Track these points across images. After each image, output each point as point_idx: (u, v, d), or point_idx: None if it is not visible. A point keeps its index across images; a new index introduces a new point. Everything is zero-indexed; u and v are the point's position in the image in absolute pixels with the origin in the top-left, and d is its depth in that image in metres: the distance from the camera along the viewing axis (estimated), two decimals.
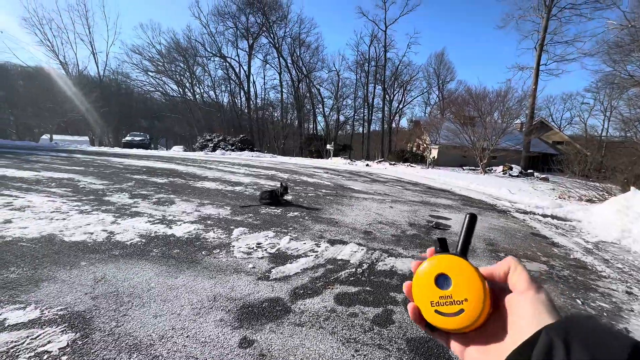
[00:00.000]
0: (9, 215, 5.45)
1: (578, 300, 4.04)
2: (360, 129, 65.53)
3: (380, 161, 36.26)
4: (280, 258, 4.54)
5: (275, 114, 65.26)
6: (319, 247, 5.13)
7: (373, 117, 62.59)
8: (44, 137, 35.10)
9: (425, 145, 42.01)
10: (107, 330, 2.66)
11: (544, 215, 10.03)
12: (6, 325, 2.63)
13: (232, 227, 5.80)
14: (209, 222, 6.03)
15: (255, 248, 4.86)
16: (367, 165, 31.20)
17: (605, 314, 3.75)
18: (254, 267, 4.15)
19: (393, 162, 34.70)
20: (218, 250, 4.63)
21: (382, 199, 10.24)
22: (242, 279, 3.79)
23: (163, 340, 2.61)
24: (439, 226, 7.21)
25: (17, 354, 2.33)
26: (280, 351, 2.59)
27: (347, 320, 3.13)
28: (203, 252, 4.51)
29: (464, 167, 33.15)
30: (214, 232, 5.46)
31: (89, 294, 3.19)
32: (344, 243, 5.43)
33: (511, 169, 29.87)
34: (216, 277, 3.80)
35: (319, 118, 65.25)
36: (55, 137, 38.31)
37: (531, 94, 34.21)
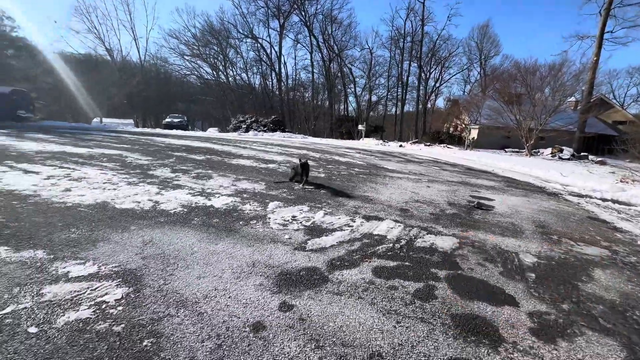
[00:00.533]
0: (68, 184, 5.95)
1: None
2: (393, 110, 63.11)
3: (414, 142, 34.85)
4: (316, 231, 4.51)
5: (306, 95, 64.70)
6: (354, 222, 5.03)
7: (407, 97, 59.67)
8: (95, 119, 38.07)
9: (463, 125, 39.50)
10: (156, 287, 2.81)
11: (603, 199, 9.04)
12: (69, 277, 2.86)
13: (267, 200, 5.87)
14: (245, 195, 6.15)
15: (290, 221, 4.88)
16: (401, 146, 30.14)
17: None
18: (290, 238, 4.17)
19: (428, 143, 33.19)
20: (255, 222, 4.70)
21: (418, 179, 9.83)
22: (279, 249, 3.81)
23: (207, 299, 2.70)
24: (481, 206, 6.76)
25: (79, 302, 2.53)
26: (319, 317, 2.57)
27: (386, 292, 3.03)
28: (241, 223, 4.61)
29: (507, 149, 30.84)
30: (250, 205, 5.55)
31: (139, 254, 3.39)
32: (380, 219, 5.28)
33: (561, 151, 27.25)
34: (254, 245, 3.86)
35: (351, 98, 63.67)
36: (104, 119, 41.38)
37: (591, 67, 30.32)
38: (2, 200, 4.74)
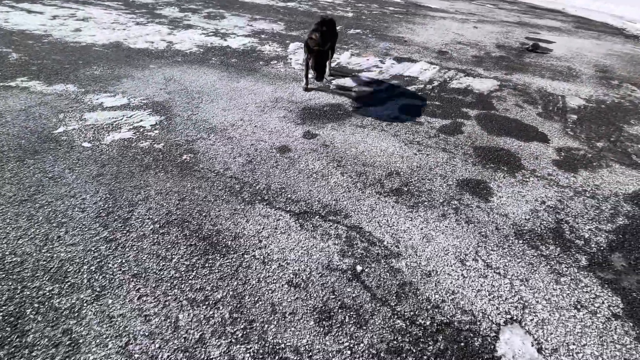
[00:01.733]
0: (76, 24, 5.54)
1: None
2: None
3: None
4: (341, 71, 4.18)
5: None
6: (384, 63, 4.55)
7: None
8: None
9: None
10: (185, 117, 2.92)
11: None
12: (104, 107, 3.00)
13: (287, 41, 5.28)
14: (262, 36, 5.53)
15: None
16: None
17: None
18: (312, 78, 3.93)
19: None
20: (275, 62, 4.38)
21: (465, 19, 8.20)
22: (301, 87, 3.65)
23: (234, 127, 2.81)
24: (536, 49, 5.75)
25: (119, 126, 2.72)
26: (342, 144, 2.66)
27: (411, 127, 2.99)
28: (260, 62, 4.31)
29: None
30: (269, 45, 5.05)
31: (163, 89, 3.39)
32: (413, 61, 4.72)
33: None
34: (276, 83, 3.71)
35: None
36: None
37: None
38: (18, 40, 4.60)
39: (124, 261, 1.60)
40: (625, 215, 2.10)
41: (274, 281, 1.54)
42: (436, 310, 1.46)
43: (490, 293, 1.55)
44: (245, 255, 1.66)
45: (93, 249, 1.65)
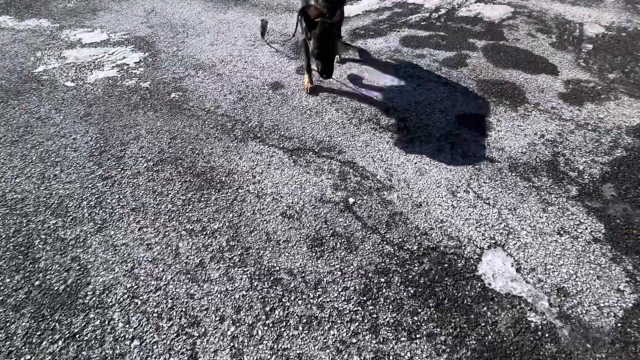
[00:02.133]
0: None
1: None
2: None
3: None
4: None
5: None
6: None
7: None
8: None
9: None
10: (170, 53, 2.73)
11: None
12: (84, 43, 2.80)
13: None
14: None
15: None
16: None
17: None
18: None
19: None
20: None
21: None
22: (295, 18, 3.34)
23: (223, 63, 2.65)
24: None
25: (102, 64, 2.57)
26: (337, 78, 2.52)
27: (413, 58, 2.80)
28: None
29: None
30: None
31: (144, 23, 3.13)
32: None
33: None
34: (267, 14, 3.39)
35: None
36: None
37: None
38: None
39: (121, 197, 1.64)
40: (624, 148, 2.07)
41: (269, 213, 1.59)
42: (424, 237, 1.53)
43: (478, 221, 1.61)
44: (240, 190, 1.70)
45: (90, 186, 1.68)
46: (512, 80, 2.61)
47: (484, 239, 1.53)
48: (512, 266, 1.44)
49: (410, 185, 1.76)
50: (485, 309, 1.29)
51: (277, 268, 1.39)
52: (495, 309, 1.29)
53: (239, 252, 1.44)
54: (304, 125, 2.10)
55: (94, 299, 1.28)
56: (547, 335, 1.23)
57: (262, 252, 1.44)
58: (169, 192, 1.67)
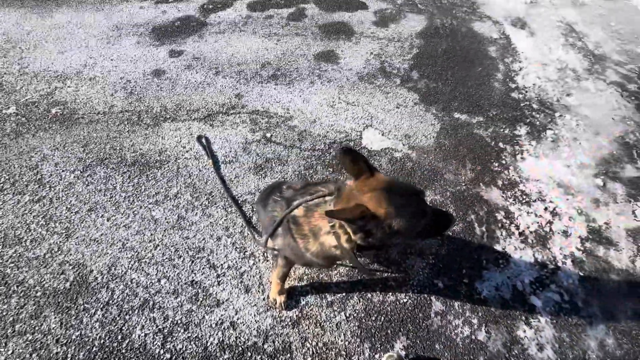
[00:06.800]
0: None
1: None
2: None
3: None
4: None
5: None
6: None
7: None
8: None
9: None
10: (16, 73, 2.48)
11: None
12: None
13: None
14: None
15: None
16: None
17: None
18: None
19: None
20: None
21: None
22: (137, 6, 3.32)
23: (88, 66, 2.59)
24: None
25: None
26: (211, 52, 2.84)
27: (264, 22, 3.29)
28: None
29: None
30: None
31: None
32: None
33: None
34: (103, 9, 3.24)
35: None
36: None
37: None
38: None
39: (69, 206, 1.74)
40: (417, 47, 3.17)
41: (211, 166, 1.99)
42: (325, 137, 2.22)
43: (353, 118, 2.38)
44: (178, 160, 2.00)
45: (26, 211, 1.71)
46: (341, 20, 3.43)
47: (359, 126, 2.33)
48: (379, 134, 2.28)
49: (303, 111, 2.40)
50: (372, 161, 2.10)
51: (240, 195, 1.86)
52: (373, 159, 2.11)
53: (205, 198, 1.83)
54: (203, 97, 2.43)
55: (105, 276, 1.51)
56: (406, 160, 2.13)
57: (222, 190, 1.87)
58: (115, 185, 1.85)
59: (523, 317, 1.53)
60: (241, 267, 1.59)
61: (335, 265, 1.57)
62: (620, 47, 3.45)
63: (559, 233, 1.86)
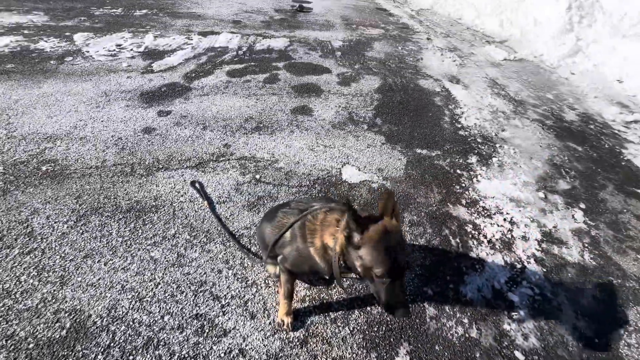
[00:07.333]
0: None
1: (399, 47, 5.65)
2: None
3: None
4: (155, 54, 4.27)
5: None
6: (191, 39, 4.89)
7: None
8: None
9: None
10: (3, 137, 2.54)
11: None
12: None
13: (67, 33, 4.63)
14: (26, 32, 4.55)
15: (117, 50, 4.29)
16: None
17: (413, 51, 5.52)
18: (130, 65, 3.89)
19: None
20: (71, 58, 3.93)
21: None
22: (124, 76, 3.63)
23: (79, 128, 2.73)
24: (303, 9, 7.41)
25: None
26: (197, 110, 3.14)
27: (243, 85, 3.74)
28: (52, 62, 3.78)
29: None
30: (45, 41, 4.31)
31: None
32: (217, 33, 5.27)
33: None
34: (91, 79, 3.51)
35: None
36: None
37: None
38: None
39: (63, 255, 1.73)
40: (377, 100, 3.74)
41: (206, 207, 2.11)
42: (309, 175, 2.46)
43: (331, 158, 2.69)
44: (174, 204, 2.11)
45: (16, 264, 1.66)
46: (311, 82, 3.99)
47: (338, 164, 2.63)
48: (356, 169, 2.58)
49: (287, 155, 2.67)
50: (354, 192, 2.35)
51: (237, 229, 1.97)
52: (354, 191, 2.37)
53: (203, 235, 1.91)
54: (193, 148, 2.63)
55: (104, 319, 1.48)
56: (382, 189, 2.41)
57: (219, 227, 1.97)
58: (110, 231, 1.88)
59: (505, 312, 1.71)
60: (244, 295, 1.64)
61: (333, 284, 1.68)
62: (534, 94, 4.32)
63: (519, 238, 2.16)
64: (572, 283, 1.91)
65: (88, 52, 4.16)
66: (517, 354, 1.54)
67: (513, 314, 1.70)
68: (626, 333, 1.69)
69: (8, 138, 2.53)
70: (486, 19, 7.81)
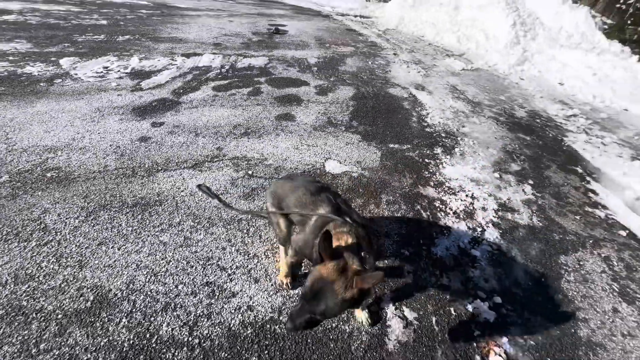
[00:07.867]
0: None
1: (369, 62, 6.21)
2: None
3: None
4: (142, 74, 4.53)
5: None
6: (176, 60, 5.20)
7: None
8: None
9: None
10: (3, 150, 2.68)
11: (355, 16, 12.10)
12: None
13: (52, 58, 4.80)
14: (11, 58, 4.69)
15: (104, 72, 4.51)
16: None
17: (382, 65, 6.08)
18: (119, 85, 4.12)
19: None
20: (60, 80, 4.11)
21: (218, 15, 9.58)
22: (114, 94, 3.85)
23: (77, 140, 2.91)
24: (279, 31, 7.95)
25: None
26: (188, 121, 3.39)
27: (229, 98, 4.05)
28: (41, 84, 3.94)
29: None
30: (32, 66, 4.47)
31: None
32: (199, 54, 5.61)
33: None
34: (83, 98, 3.70)
35: None
36: None
37: None
38: None
39: (78, 244, 1.90)
40: (352, 106, 4.15)
41: (206, 199, 2.34)
42: (296, 169, 2.76)
43: (315, 154, 3.01)
44: (176, 198, 2.32)
45: (35, 254, 1.82)
46: (291, 93, 4.36)
47: (321, 159, 2.95)
48: (338, 163, 2.91)
49: (274, 153, 2.96)
50: (337, 180, 2.67)
51: (235, 215, 2.21)
52: (337, 180, 2.69)
53: (206, 221, 2.14)
54: (189, 152, 2.87)
55: (124, 292, 1.66)
56: (362, 177, 2.74)
57: (221, 212, 2.20)
58: (120, 223, 2.07)
59: (470, 264, 2.03)
60: (248, 265, 1.87)
61: None
62: (489, 97, 4.90)
63: (479, 209, 2.53)
64: (523, 240, 2.28)
65: (76, 74, 4.35)
66: (480, 293, 1.85)
67: (476, 264, 2.03)
68: (566, 273, 2.05)
69: (9, 151, 2.67)
70: (445, 35, 8.68)
